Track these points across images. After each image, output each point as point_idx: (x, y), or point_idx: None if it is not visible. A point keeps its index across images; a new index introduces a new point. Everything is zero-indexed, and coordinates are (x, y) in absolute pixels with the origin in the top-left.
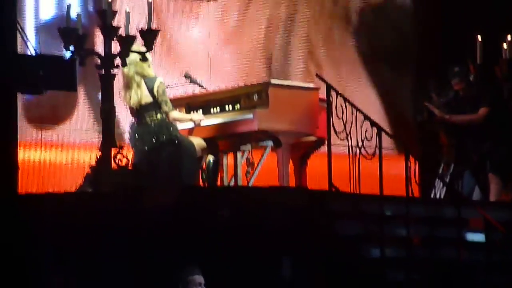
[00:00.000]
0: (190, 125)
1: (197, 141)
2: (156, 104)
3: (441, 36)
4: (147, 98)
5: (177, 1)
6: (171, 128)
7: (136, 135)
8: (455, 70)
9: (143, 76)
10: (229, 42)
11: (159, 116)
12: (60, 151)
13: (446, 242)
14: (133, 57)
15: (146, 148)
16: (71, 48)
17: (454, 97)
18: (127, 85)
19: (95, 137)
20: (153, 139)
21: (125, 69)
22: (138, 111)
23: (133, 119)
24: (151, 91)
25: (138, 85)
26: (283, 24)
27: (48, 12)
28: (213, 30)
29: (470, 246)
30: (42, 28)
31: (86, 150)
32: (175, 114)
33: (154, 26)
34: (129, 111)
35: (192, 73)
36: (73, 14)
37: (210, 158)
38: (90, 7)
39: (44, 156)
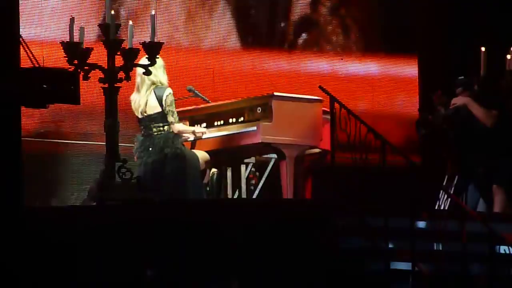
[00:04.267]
0: (191, 138)
1: (201, 154)
2: (163, 115)
3: (445, 48)
4: (155, 108)
5: None
6: (177, 141)
7: (141, 146)
8: (459, 79)
9: (154, 84)
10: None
11: (166, 128)
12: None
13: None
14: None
15: (150, 160)
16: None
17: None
18: (138, 92)
19: None
20: (158, 151)
21: (139, 78)
22: (145, 121)
23: (140, 129)
24: (159, 100)
25: (148, 94)
26: None
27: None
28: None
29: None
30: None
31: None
32: (179, 126)
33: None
34: (137, 120)
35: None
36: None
37: (214, 171)
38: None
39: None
